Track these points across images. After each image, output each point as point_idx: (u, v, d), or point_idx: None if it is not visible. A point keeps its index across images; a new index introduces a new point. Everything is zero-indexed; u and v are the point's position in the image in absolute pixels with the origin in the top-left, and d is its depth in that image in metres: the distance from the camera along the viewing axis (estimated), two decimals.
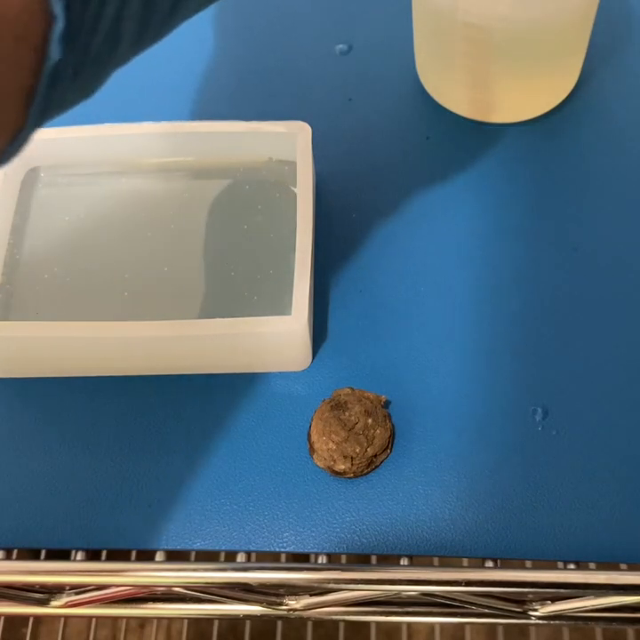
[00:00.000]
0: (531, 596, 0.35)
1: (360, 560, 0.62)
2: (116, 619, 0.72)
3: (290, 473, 0.36)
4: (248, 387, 0.38)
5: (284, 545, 0.35)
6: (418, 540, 0.35)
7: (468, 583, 0.32)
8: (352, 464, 0.35)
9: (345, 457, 0.35)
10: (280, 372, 0.39)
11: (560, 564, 0.34)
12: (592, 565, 0.34)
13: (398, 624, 0.70)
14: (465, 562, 0.43)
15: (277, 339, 0.36)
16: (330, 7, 0.52)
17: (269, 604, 0.36)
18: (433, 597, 0.33)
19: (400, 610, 0.39)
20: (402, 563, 0.34)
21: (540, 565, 0.34)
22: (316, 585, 0.33)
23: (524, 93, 0.45)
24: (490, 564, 0.34)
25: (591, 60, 0.47)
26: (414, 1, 0.44)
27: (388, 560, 0.36)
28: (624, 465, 0.36)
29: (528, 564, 0.38)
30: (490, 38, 0.41)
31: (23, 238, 0.41)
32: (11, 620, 0.72)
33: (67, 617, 0.71)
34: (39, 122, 0.21)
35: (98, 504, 0.36)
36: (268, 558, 0.50)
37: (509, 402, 0.37)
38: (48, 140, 0.42)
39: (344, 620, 0.66)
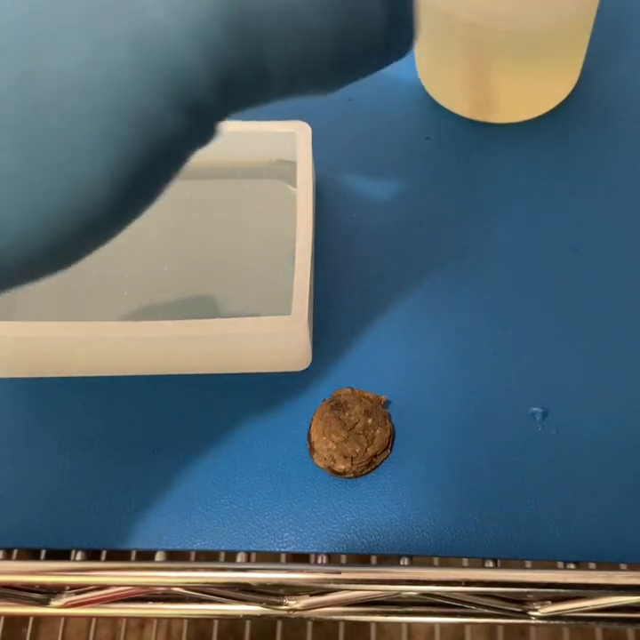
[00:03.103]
0: (531, 596, 0.35)
1: (360, 560, 0.62)
2: (116, 619, 0.72)
3: (290, 473, 0.36)
4: (248, 387, 0.38)
5: (284, 545, 0.35)
6: (418, 540, 0.35)
7: (468, 583, 0.32)
8: (352, 464, 0.35)
9: (345, 457, 0.35)
10: (280, 372, 0.39)
11: (560, 564, 0.34)
12: (592, 565, 0.34)
13: (398, 624, 0.70)
14: (465, 562, 0.43)
15: (277, 339, 0.36)
16: None
17: (269, 604, 0.36)
18: (433, 597, 0.33)
19: (400, 610, 0.39)
20: (402, 563, 0.34)
21: (539, 565, 0.34)
22: (315, 585, 0.33)
23: (524, 93, 0.45)
24: (490, 564, 0.34)
25: (591, 60, 0.47)
26: None
27: (388, 560, 0.36)
28: (624, 465, 0.36)
29: (528, 564, 0.38)
30: (490, 38, 0.41)
31: None
32: (11, 619, 0.72)
33: (67, 617, 0.71)
34: None
35: (98, 504, 0.36)
36: (268, 558, 0.50)
37: (509, 402, 0.37)
38: None
39: (344, 620, 0.66)
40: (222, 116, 0.22)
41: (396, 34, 0.22)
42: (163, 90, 0.19)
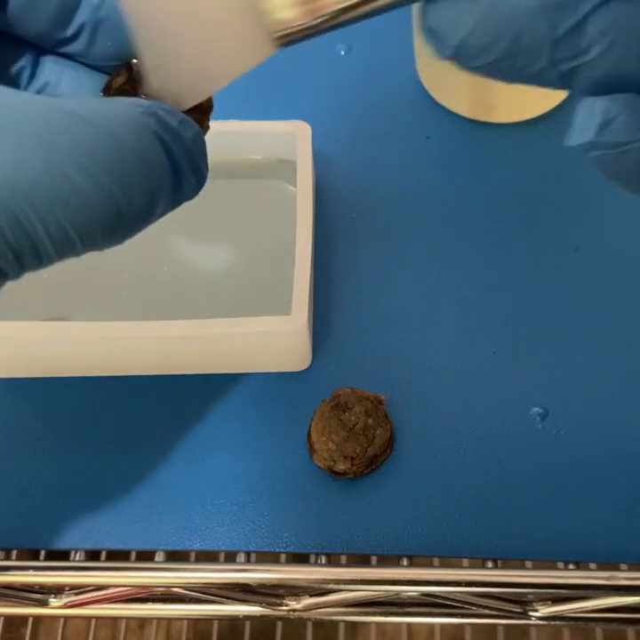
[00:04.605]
0: (531, 596, 0.35)
1: (360, 560, 0.62)
2: (115, 619, 0.71)
3: (290, 473, 0.36)
4: (248, 387, 0.38)
5: (284, 545, 0.35)
6: (418, 540, 0.34)
7: (469, 583, 0.32)
8: (352, 464, 0.35)
9: (345, 457, 0.35)
10: (280, 372, 0.39)
11: (560, 565, 0.34)
12: (592, 565, 0.34)
13: (398, 624, 0.70)
14: (465, 562, 0.43)
15: (277, 339, 0.36)
16: None
17: (269, 605, 0.36)
18: (433, 598, 0.33)
19: (400, 610, 0.39)
20: (402, 563, 0.34)
21: (540, 565, 0.34)
22: (315, 585, 0.33)
23: (524, 93, 0.45)
24: (490, 564, 0.34)
25: None
26: None
27: (388, 560, 0.36)
28: (624, 464, 0.36)
29: (528, 564, 0.38)
30: None
31: None
32: (10, 620, 0.72)
33: (66, 617, 0.70)
34: None
35: (98, 504, 0.36)
36: (267, 558, 0.50)
37: (509, 401, 0.37)
38: None
39: (344, 621, 0.66)
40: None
41: (184, 181, 0.22)
42: None
